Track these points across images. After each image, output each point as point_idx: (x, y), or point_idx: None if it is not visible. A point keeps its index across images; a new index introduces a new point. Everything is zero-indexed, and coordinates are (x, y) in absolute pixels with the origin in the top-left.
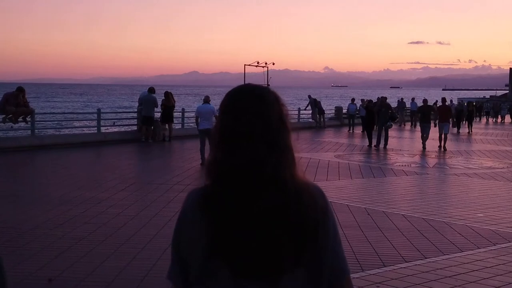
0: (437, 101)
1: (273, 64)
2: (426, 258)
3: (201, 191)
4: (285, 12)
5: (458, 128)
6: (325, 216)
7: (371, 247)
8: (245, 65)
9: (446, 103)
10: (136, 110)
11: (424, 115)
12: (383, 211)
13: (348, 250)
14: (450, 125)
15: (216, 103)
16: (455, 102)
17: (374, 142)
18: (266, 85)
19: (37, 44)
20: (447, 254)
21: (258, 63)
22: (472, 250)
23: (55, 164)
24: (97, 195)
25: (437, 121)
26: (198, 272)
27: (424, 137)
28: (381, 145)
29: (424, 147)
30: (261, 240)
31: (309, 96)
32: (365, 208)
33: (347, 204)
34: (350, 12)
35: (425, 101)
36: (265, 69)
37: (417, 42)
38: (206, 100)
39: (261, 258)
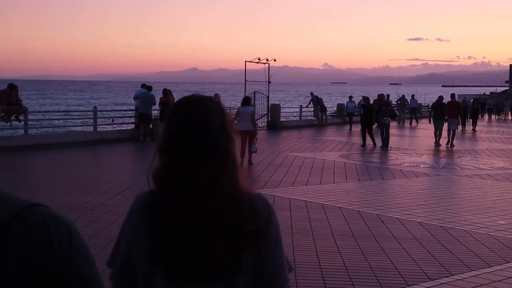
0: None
1: (275, 60)
2: (452, 275)
3: (146, 196)
4: (283, 9)
5: (464, 126)
6: (268, 227)
7: (389, 261)
8: (246, 61)
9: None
10: (133, 108)
11: (437, 112)
12: (397, 217)
13: (365, 265)
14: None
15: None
16: (457, 99)
17: (379, 142)
18: (267, 82)
19: (35, 40)
20: (474, 270)
21: (259, 59)
22: (500, 264)
23: (48, 165)
24: (91, 200)
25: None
26: (141, 273)
27: (438, 134)
28: (380, 145)
29: (436, 143)
30: (196, 245)
31: (311, 94)
32: (377, 214)
33: (358, 210)
34: (349, 8)
35: (440, 97)
36: (266, 65)
37: (417, 39)
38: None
39: (195, 262)
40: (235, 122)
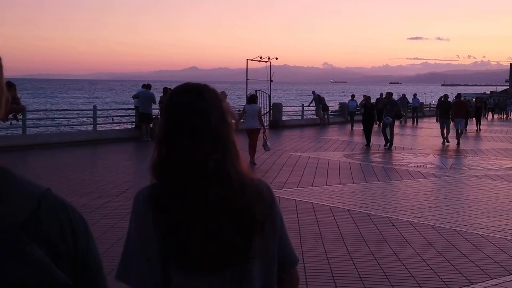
0: (441, 97)
1: (277, 59)
2: (472, 283)
3: (149, 190)
4: (282, 8)
5: (466, 125)
6: (271, 210)
7: (404, 268)
8: (247, 59)
9: (462, 99)
10: (133, 107)
11: (443, 111)
12: (408, 221)
13: (379, 273)
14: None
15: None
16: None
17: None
18: (269, 80)
19: (34, 39)
20: (495, 278)
21: (261, 57)
22: None
23: (46, 166)
24: (90, 202)
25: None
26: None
27: (446, 132)
28: (383, 145)
29: (444, 142)
30: (208, 233)
31: (313, 92)
32: (387, 217)
33: (367, 213)
34: (349, 7)
35: (445, 96)
36: (267, 64)
37: (416, 38)
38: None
39: (210, 252)
40: (241, 120)
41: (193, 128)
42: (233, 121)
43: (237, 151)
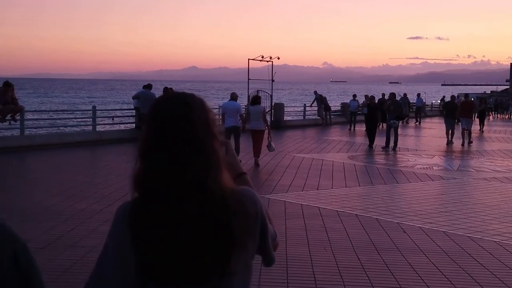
0: (444, 96)
1: (278, 58)
2: None
3: (130, 205)
4: (282, 7)
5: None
6: (255, 223)
7: (420, 279)
8: (249, 59)
9: (469, 99)
10: (133, 107)
11: (449, 111)
12: (419, 227)
13: (393, 284)
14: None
15: (216, 97)
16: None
17: (382, 143)
18: (270, 80)
19: (33, 39)
20: None
21: (262, 57)
22: None
23: (45, 168)
24: (89, 206)
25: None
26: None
27: (450, 133)
28: (383, 146)
29: (448, 143)
30: (186, 248)
31: (315, 92)
32: (397, 223)
33: (376, 218)
34: (349, 6)
35: (452, 97)
36: (268, 63)
37: (416, 37)
38: (233, 97)
39: (187, 266)
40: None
41: (176, 137)
42: (240, 121)
43: (220, 162)
